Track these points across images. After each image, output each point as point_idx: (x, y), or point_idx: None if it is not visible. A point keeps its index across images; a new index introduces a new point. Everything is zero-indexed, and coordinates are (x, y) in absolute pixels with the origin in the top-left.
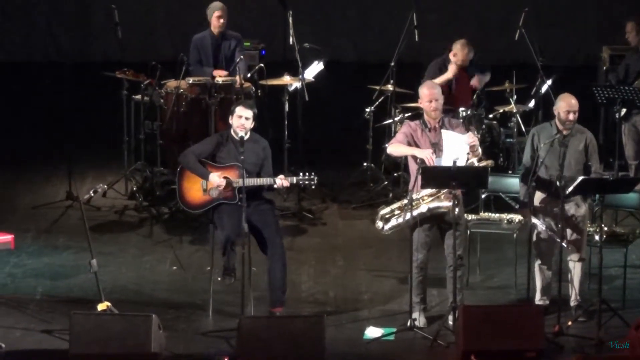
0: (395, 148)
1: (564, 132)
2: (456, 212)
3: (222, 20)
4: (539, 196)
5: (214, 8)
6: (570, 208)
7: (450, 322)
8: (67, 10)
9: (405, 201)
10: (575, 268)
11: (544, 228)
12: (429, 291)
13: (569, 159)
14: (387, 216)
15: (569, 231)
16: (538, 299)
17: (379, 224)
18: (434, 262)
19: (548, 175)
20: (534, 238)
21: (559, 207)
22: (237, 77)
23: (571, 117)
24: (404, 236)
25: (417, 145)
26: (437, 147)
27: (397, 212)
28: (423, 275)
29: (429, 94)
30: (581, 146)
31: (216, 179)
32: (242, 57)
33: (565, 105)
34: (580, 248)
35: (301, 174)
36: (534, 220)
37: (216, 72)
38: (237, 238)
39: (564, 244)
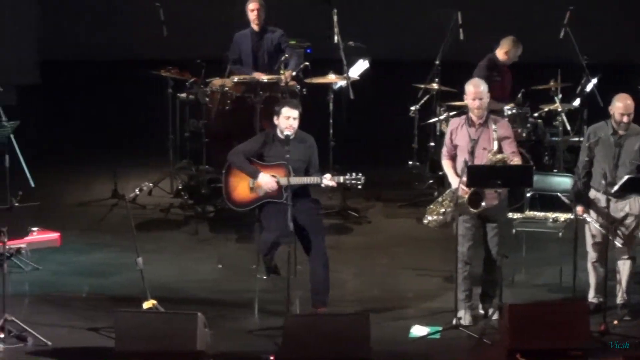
0: (444, 168)
1: (620, 132)
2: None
3: (256, 13)
4: (593, 194)
5: (249, 2)
6: (625, 206)
7: (496, 319)
8: (112, 8)
9: (441, 198)
10: (624, 266)
11: (596, 226)
12: (475, 289)
13: (624, 158)
14: (434, 213)
15: (621, 229)
16: (592, 296)
17: (429, 218)
18: (480, 260)
19: (602, 174)
20: (588, 235)
21: (613, 204)
22: (283, 75)
23: (625, 119)
24: (449, 235)
25: (458, 142)
26: (476, 144)
27: (439, 208)
28: (468, 270)
29: (474, 92)
30: (637, 146)
31: (266, 178)
32: (307, 63)
33: (621, 107)
34: (631, 246)
35: (348, 173)
36: (587, 217)
37: (256, 75)
38: (285, 239)
39: (616, 242)
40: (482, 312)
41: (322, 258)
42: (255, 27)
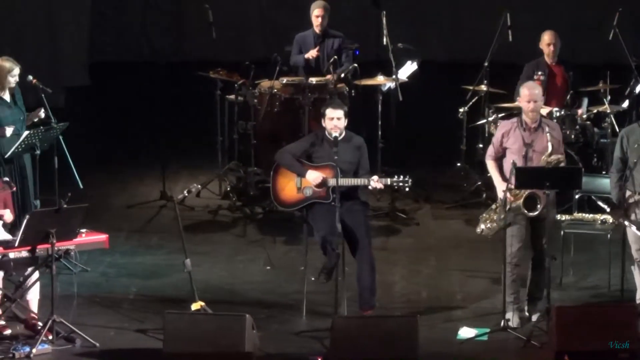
0: (489, 169)
1: None
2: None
3: (320, 19)
4: (631, 197)
5: (314, 7)
6: None
7: (542, 321)
8: (161, 10)
9: (494, 206)
10: None
11: (634, 229)
12: (522, 290)
13: None
14: (488, 221)
15: None
16: (639, 298)
17: (482, 226)
18: (526, 261)
19: (638, 177)
20: (631, 237)
21: None
22: (331, 76)
23: None
24: (497, 236)
25: (509, 145)
26: (529, 148)
27: (493, 215)
28: (516, 273)
29: (528, 95)
30: None
31: (314, 175)
32: (355, 65)
33: None
34: None
35: (395, 176)
36: (626, 221)
37: (309, 54)
38: (333, 238)
39: None
40: (527, 314)
41: (368, 260)
42: (317, 30)
